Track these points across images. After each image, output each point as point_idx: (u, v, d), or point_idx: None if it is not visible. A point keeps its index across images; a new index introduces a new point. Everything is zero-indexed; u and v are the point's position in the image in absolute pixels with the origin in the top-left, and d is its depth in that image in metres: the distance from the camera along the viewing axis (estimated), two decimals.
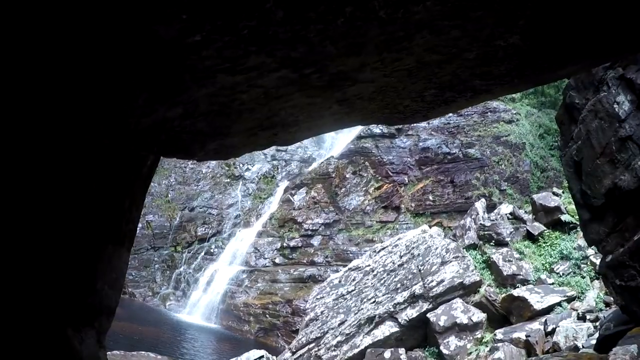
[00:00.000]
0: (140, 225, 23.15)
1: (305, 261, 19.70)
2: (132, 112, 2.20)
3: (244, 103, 2.46)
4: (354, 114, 3.10)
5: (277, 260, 19.98)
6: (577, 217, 11.83)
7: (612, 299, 8.68)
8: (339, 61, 2.22)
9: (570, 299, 9.79)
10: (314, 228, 20.43)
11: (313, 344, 11.75)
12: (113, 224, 3.10)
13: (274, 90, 2.37)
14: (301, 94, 2.53)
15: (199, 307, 19.10)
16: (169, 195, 22.49)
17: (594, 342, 6.29)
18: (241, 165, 23.74)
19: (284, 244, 20.23)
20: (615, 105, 4.94)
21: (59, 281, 2.69)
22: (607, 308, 8.53)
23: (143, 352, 11.97)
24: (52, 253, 2.59)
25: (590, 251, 10.88)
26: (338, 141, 24.31)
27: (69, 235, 2.69)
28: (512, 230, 12.53)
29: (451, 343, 10.29)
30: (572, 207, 12.18)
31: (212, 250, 21.11)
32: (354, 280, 12.94)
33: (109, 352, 12.32)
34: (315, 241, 20.25)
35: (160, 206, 22.14)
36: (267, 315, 17.91)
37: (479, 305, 10.82)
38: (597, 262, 10.29)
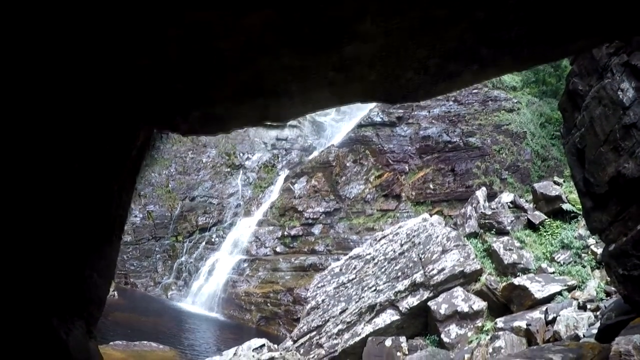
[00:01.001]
0: (141, 215, 23.13)
1: (306, 250, 19.75)
2: (99, 56, 1.94)
3: (224, 55, 2.13)
4: (353, 85, 2.81)
5: (278, 249, 20.03)
6: (578, 206, 11.80)
7: (613, 288, 8.69)
8: (334, 6, 1.91)
9: (570, 288, 9.79)
10: (314, 217, 20.44)
11: (314, 332, 11.81)
12: (100, 208, 2.89)
13: (257, 39, 2.02)
14: (291, 51, 2.20)
15: (200, 296, 19.19)
16: (170, 185, 22.49)
17: (595, 331, 6.30)
18: (241, 154, 23.68)
19: (285, 233, 20.26)
20: (620, 92, 4.85)
21: (43, 269, 2.54)
22: (608, 298, 8.53)
23: (145, 342, 12.06)
24: (35, 239, 2.43)
25: (591, 240, 10.87)
26: (338, 130, 24.22)
27: (54, 220, 2.53)
28: (513, 219, 12.51)
29: (452, 331, 10.34)
30: (573, 196, 12.14)
31: (213, 240, 21.16)
32: (354, 268, 12.96)
33: (111, 343, 12.35)
34: (316, 230, 20.27)
35: (161, 196, 22.15)
36: (269, 304, 18.00)
37: (479, 294, 10.85)
38: (598, 251, 10.29)
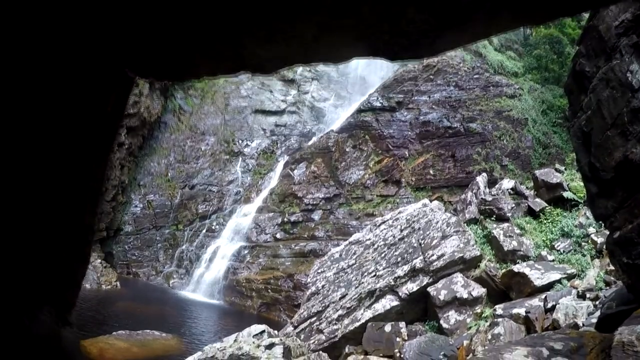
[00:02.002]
0: (141, 205, 23.11)
1: (306, 236, 19.77)
2: None
3: None
4: (343, 25, 2.40)
5: (278, 236, 20.05)
6: (579, 194, 11.76)
7: (612, 278, 8.68)
8: None
9: (570, 277, 9.78)
10: (314, 202, 20.42)
11: (314, 318, 11.86)
12: (70, 175, 2.48)
13: None
14: None
15: (202, 284, 19.28)
16: (169, 174, 22.43)
17: (594, 320, 6.27)
18: (240, 141, 23.56)
19: (285, 219, 20.25)
20: (629, 74, 4.69)
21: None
22: (607, 287, 8.53)
23: (148, 331, 12.12)
24: None
25: (592, 229, 10.84)
26: (338, 115, 24.06)
27: (11, 190, 2.21)
28: (514, 205, 12.47)
29: (451, 317, 10.38)
30: (575, 184, 12.08)
31: (213, 227, 21.18)
32: (354, 254, 12.96)
33: (114, 333, 12.38)
34: (316, 216, 20.27)
35: (160, 185, 22.11)
36: (269, 290, 18.08)
37: (479, 280, 10.86)
38: (598, 240, 10.27)
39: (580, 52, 5.75)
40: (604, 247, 10.02)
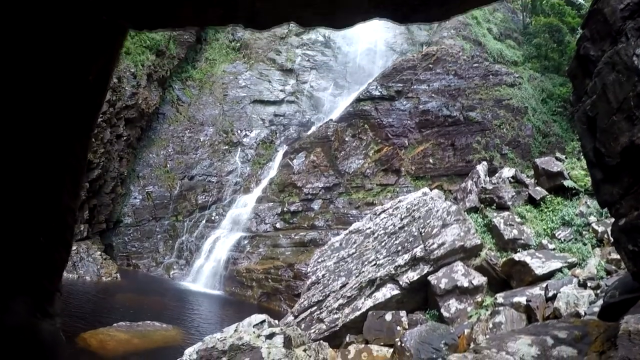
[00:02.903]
0: (140, 196, 23.04)
1: (305, 225, 19.76)
2: None
3: None
4: None
5: (277, 225, 20.03)
6: (580, 183, 11.71)
7: (613, 267, 8.65)
8: None
9: (571, 266, 9.75)
10: (314, 192, 20.38)
11: (315, 307, 11.86)
12: (44, 150, 2.19)
13: None
14: None
15: (202, 274, 19.28)
16: (168, 165, 22.34)
17: (596, 309, 6.24)
18: (239, 131, 23.44)
19: (285, 209, 20.23)
20: (635, 58, 4.59)
21: None
22: (609, 276, 8.50)
23: (149, 322, 12.14)
24: None
25: (592, 218, 10.82)
26: (337, 104, 23.93)
27: None
28: (514, 194, 12.42)
29: (452, 306, 10.38)
30: (575, 172, 12.02)
31: (213, 218, 21.15)
32: (354, 243, 12.94)
33: (114, 324, 12.35)
34: (316, 205, 20.24)
35: (159, 177, 22.02)
36: (270, 280, 18.10)
37: (479, 269, 10.84)
38: (599, 229, 10.23)
39: (584, 36, 5.63)
40: (605, 235, 9.99)
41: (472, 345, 7.93)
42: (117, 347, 10.54)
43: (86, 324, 11.45)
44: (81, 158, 2.53)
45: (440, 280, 10.64)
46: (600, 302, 6.59)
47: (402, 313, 10.52)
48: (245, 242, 19.77)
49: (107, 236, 20.53)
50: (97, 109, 2.58)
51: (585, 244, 10.37)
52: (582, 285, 8.52)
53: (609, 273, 8.70)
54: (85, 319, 12.09)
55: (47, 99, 2.14)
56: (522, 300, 8.85)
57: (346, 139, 21.23)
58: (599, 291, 7.81)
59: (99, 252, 18.55)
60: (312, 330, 11.23)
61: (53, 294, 2.45)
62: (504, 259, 10.59)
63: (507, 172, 13.32)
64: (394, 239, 12.08)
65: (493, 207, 12.31)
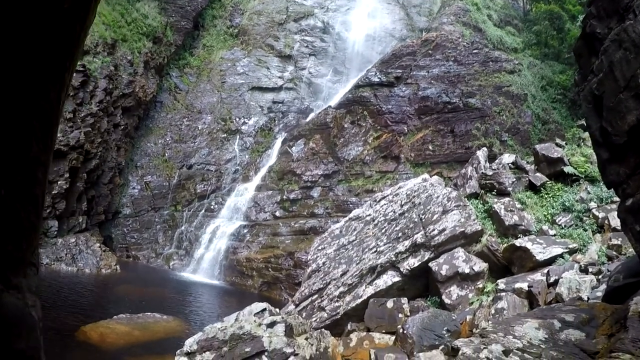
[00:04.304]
0: (139, 187, 22.97)
1: (305, 213, 19.71)
2: None
3: None
4: None
5: (277, 214, 19.98)
6: (580, 169, 11.65)
7: (614, 252, 8.62)
8: None
9: (572, 251, 9.74)
10: (313, 179, 20.30)
11: (316, 296, 11.84)
12: (6, 88, 1.81)
13: None
14: None
15: (202, 264, 19.26)
16: (166, 155, 22.18)
17: (599, 294, 6.21)
18: (237, 119, 23.26)
19: (284, 197, 20.16)
20: None
21: None
22: (610, 262, 8.48)
23: (149, 313, 12.11)
24: None
25: (593, 204, 10.78)
26: (335, 91, 23.73)
27: None
28: (514, 180, 12.37)
29: (453, 292, 10.37)
30: (575, 159, 11.96)
31: (212, 207, 21.07)
32: (354, 230, 12.88)
33: (115, 317, 12.34)
34: (315, 193, 20.17)
35: (157, 166, 21.88)
36: (270, 269, 18.09)
37: (480, 255, 10.81)
38: (600, 215, 10.20)
39: (590, 14, 5.50)
40: (606, 221, 9.96)
41: (474, 331, 7.92)
42: (118, 340, 10.51)
43: (86, 317, 11.43)
44: (55, 103, 2.22)
45: (441, 266, 10.61)
46: (602, 287, 6.56)
47: (404, 300, 10.50)
48: (245, 231, 19.73)
49: (106, 227, 20.45)
50: (76, 45, 2.24)
51: (585, 230, 10.35)
52: (584, 270, 8.50)
53: (610, 259, 8.69)
54: (86, 312, 12.06)
55: (10, 27, 1.84)
56: (524, 286, 8.84)
57: (345, 126, 21.09)
58: (600, 276, 7.79)
59: (98, 244, 18.48)
60: (314, 319, 11.22)
61: (21, 263, 2.07)
62: (505, 245, 10.56)
63: (507, 158, 13.24)
64: (394, 225, 12.02)
65: (493, 193, 12.26)
